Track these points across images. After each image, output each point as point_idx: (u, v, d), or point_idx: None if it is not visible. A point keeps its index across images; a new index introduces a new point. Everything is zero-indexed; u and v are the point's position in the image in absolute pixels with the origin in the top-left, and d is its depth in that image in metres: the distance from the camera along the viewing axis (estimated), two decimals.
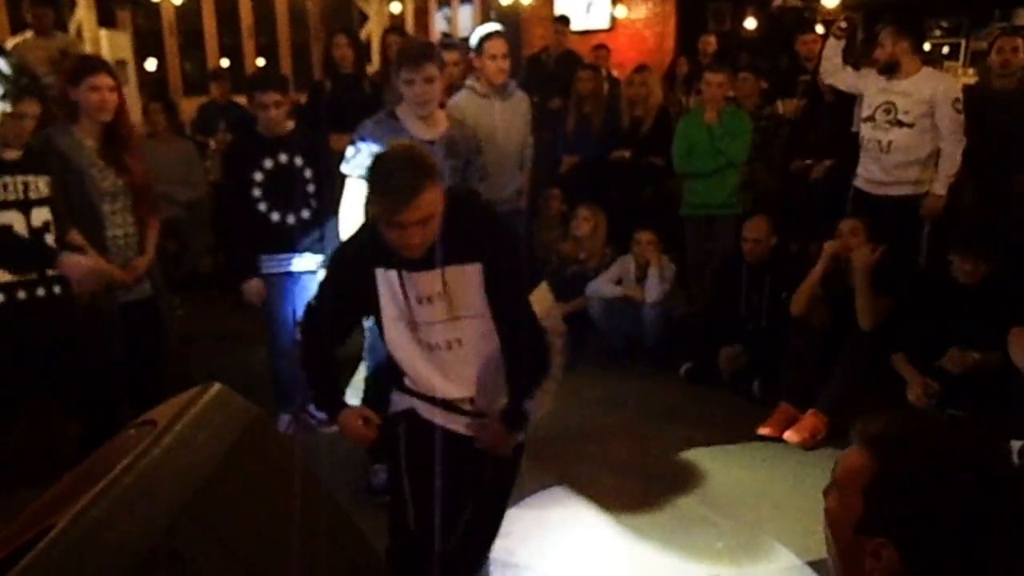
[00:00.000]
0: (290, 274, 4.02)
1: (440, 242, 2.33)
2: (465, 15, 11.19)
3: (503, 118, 4.54)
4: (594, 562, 3.24)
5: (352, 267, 2.48)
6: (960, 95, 4.71)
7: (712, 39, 8.81)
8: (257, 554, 1.47)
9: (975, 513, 1.16)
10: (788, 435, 4.07)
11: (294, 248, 4.01)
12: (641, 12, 10.97)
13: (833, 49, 5.08)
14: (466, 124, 3.82)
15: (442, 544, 2.51)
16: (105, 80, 3.43)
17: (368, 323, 3.45)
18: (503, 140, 4.55)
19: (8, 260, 3.06)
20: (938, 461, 1.19)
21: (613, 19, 10.90)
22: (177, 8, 8.87)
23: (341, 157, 3.64)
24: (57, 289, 3.16)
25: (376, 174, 2.29)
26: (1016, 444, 3.34)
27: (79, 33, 7.74)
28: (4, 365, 3.10)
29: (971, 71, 8.85)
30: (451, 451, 2.50)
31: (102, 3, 8.16)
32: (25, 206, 3.07)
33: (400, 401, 2.62)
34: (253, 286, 4.00)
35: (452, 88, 4.50)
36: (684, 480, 3.79)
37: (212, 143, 6.81)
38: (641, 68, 6.12)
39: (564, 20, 8.56)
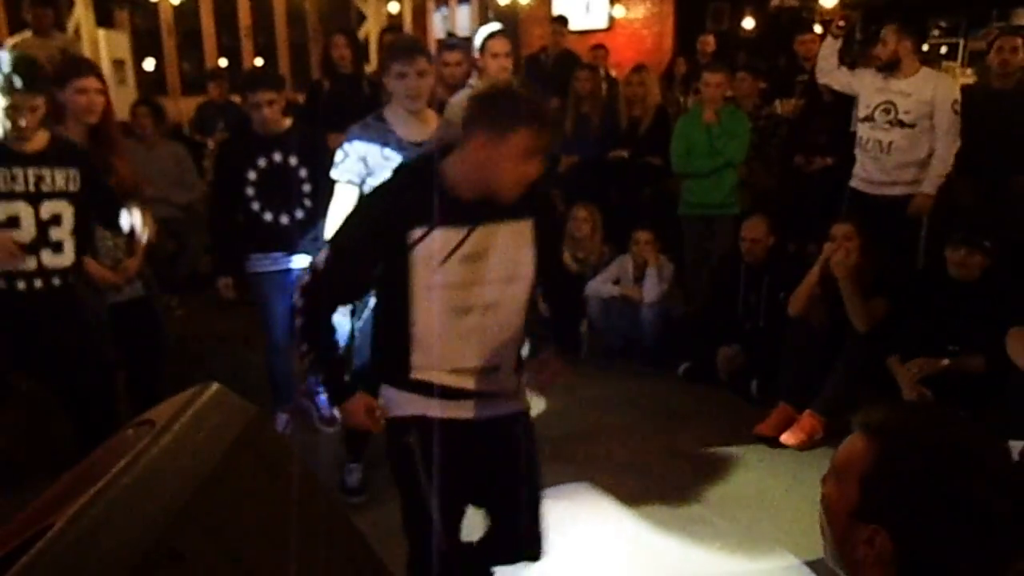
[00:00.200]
0: (285, 272, 4.01)
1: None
2: (463, 15, 11.20)
3: None
4: (592, 562, 3.24)
5: (381, 228, 2.24)
6: (958, 96, 4.72)
7: (710, 39, 8.82)
8: (256, 554, 1.47)
9: (970, 507, 1.17)
10: (785, 437, 4.07)
11: (288, 247, 3.98)
12: (639, 12, 10.99)
13: (829, 48, 5.09)
14: (455, 123, 3.80)
15: (505, 547, 2.52)
16: (92, 82, 3.44)
17: (358, 324, 3.48)
18: None
19: None
20: (936, 453, 1.20)
21: (611, 19, 10.91)
22: (175, 8, 8.88)
23: None
24: (56, 281, 3.16)
25: (518, 106, 2.16)
26: (1016, 444, 3.35)
27: (77, 33, 7.75)
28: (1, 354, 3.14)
29: (969, 71, 8.86)
30: (480, 446, 2.41)
31: (100, 3, 8.16)
32: (35, 198, 3.08)
33: (405, 404, 2.37)
34: (225, 283, 4.05)
35: (455, 88, 4.50)
36: (682, 480, 3.80)
37: (210, 143, 6.82)
38: (639, 68, 6.13)
39: (562, 20, 8.57)
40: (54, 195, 3.12)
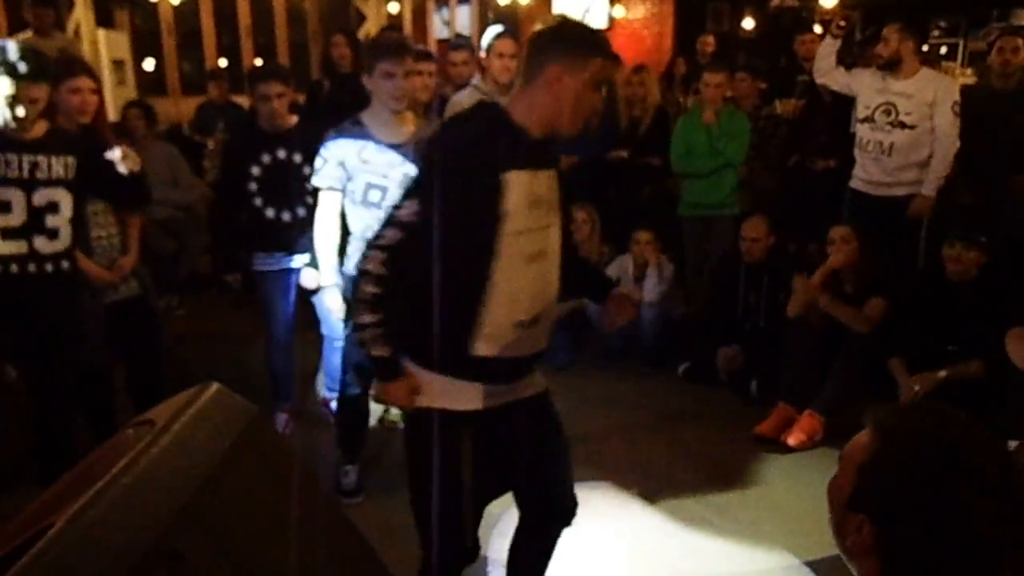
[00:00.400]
0: (287, 272, 4.02)
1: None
2: (463, 15, 11.20)
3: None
4: (592, 562, 3.24)
5: (476, 177, 2.12)
6: (958, 98, 4.72)
7: (710, 39, 8.82)
8: (256, 554, 1.47)
9: (955, 509, 1.18)
10: (785, 437, 4.07)
11: (289, 246, 3.98)
12: (639, 12, 10.98)
13: (828, 48, 5.08)
14: (436, 124, 3.78)
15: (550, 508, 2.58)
16: (86, 82, 3.45)
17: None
18: None
19: None
20: (929, 453, 1.22)
21: (611, 19, 10.91)
22: (175, 8, 8.88)
23: None
24: (49, 267, 3.17)
25: (590, 35, 2.24)
26: (1012, 444, 3.35)
27: (77, 33, 7.74)
28: None
29: (969, 71, 8.85)
30: (523, 427, 2.39)
31: (100, 3, 8.16)
32: (28, 185, 3.10)
33: (457, 395, 2.25)
34: (234, 277, 4.14)
35: (460, 87, 4.51)
36: (681, 480, 3.80)
37: (210, 143, 6.81)
38: (639, 68, 6.12)
39: None
40: (50, 183, 3.14)
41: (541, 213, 2.25)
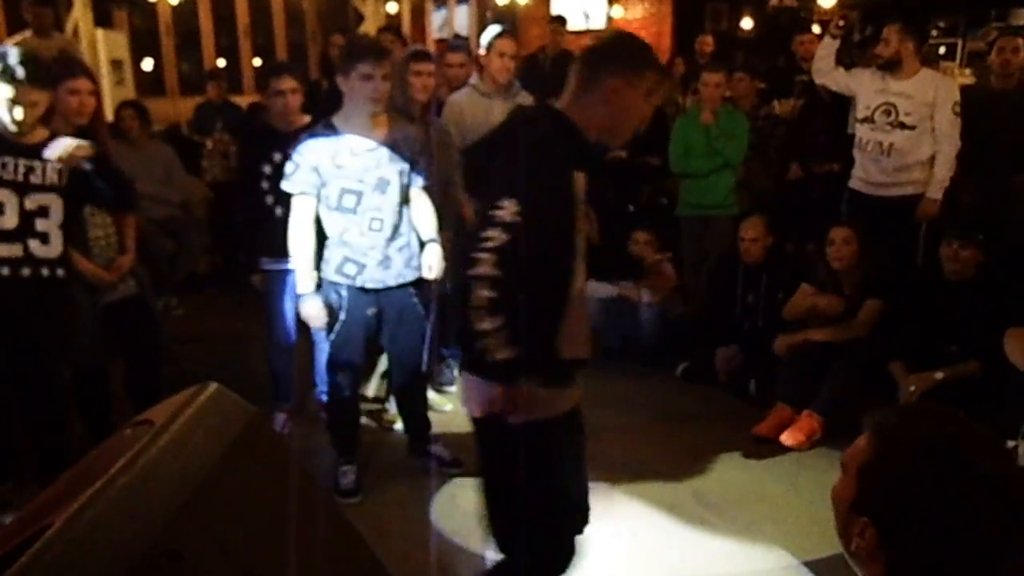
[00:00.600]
0: (291, 271, 4.01)
1: None
2: (462, 15, 11.20)
3: (502, 118, 4.54)
4: (591, 562, 3.24)
5: (564, 174, 2.20)
6: (958, 98, 4.71)
7: (709, 39, 8.81)
8: (254, 554, 1.47)
9: (955, 509, 1.19)
10: (784, 437, 4.07)
11: None
12: (637, 12, 10.99)
13: (827, 48, 5.08)
14: (408, 125, 3.77)
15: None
16: (85, 84, 3.45)
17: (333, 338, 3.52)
18: None
19: None
20: (929, 453, 1.22)
21: (609, 19, 10.92)
22: (174, 8, 8.88)
23: None
24: (44, 271, 3.17)
25: (647, 49, 2.34)
26: (1011, 444, 3.35)
27: (76, 33, 7.73)
28: None
29: (968, 71, 8.85)
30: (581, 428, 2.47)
31: (98, 3, 8.15)
32: (21, 188, 3.10)
33: (554, 401, 2.25)
34: (257, 278, 4.07)
35: (456, 89, 4.50)
36: (680, 480, 3.80)
37: (208, 143, 6.82)
38: None
39: (560, 20, 8.57)
40: (43, 188, 3.14)
41: (583, 213, 2.31)
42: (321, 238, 3.54)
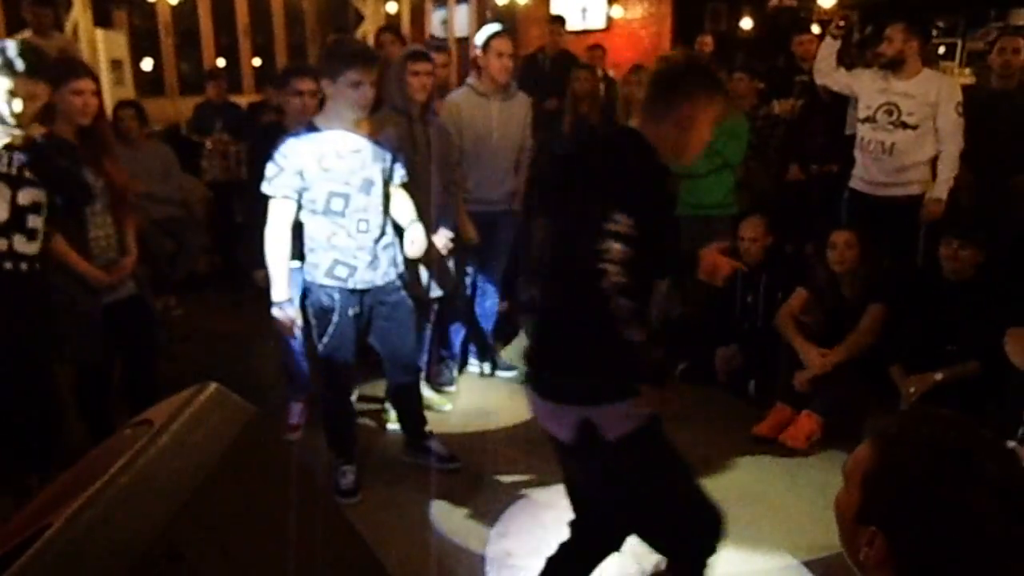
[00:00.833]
0: (296, 269, 4.00)
1: None
2: (461, 15, 11.19)
3: (500, 119, 4.55)
4: None
5: (663, 186, 2.35)
6: (961, 98, 4.71)
7: (708, 39, 8.82)
8: (254, 554, 1.47)
9: (963, 513, 1.18)
10: (783, 438, 4.07)
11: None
12: (637, 12, 10.99)
13: (828, 49, 5.08)
14: (391, 126, 3.75)
15: None
16: (88, 84, 3.44)
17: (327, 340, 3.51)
18: (498, 140, 4.55)
19: None
20: (933, 458, 1.22)
21: (609, 19, 10.91)
22: (173, 8, 8.86)
23: None
24: (24, 267, 3.13)
25: (716, 74, 2.40)
26: (1011, 444, 3.35)
27: (75, 33, 7.72)
28: None
29: (967, 71, 8.86)
30: None
31: (98, 3, 8.14)
32: (14, 182, 3.07)
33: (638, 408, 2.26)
34: (261, 274, 4.02)
35: (441, 90, 4.48)
36: None
37: (208, 143, 6.81)
38: (637, 68, 6.12)
39: (560, 20, 8.56)
40: (35, 183, 3.12)
41: None
42: (297, 242, 3.51)
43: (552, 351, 2.34)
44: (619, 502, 2.42)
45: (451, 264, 4.44)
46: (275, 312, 3.47)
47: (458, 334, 4.87)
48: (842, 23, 5.12)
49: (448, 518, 3.50)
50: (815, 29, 7.59)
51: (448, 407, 4.57)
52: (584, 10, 10.81)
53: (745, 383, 4.67)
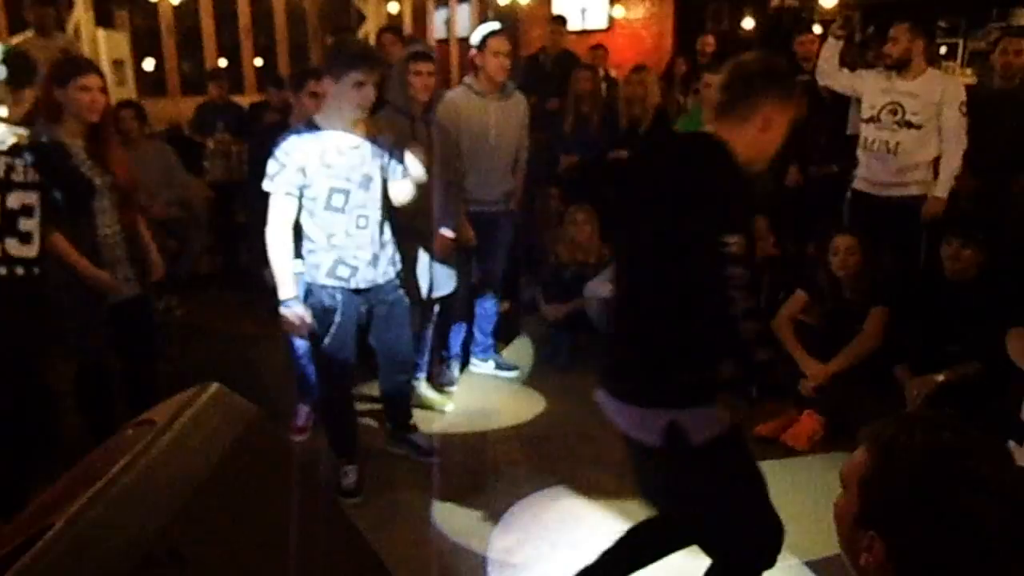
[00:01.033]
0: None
1: None
2: (463, 15, 11.20)
3: (497, 118, 4.54)
4: (589, 561, 3.24)
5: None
6: (964, 97, 4.70)
7: (710, 39, 8.80)
8: (255, 554, 1.47)
9: (961, 515, 1.19)
10: (785, 438, 4.07)
11: None
12: (639, 12, 10.99)
13: (831, 50, 5.08)
14: (388, 126, 3.76)
15: None
16: (95, 80, 3.43)
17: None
18: (495, 140, 4.55)
19: None
20: (929, 461, 1.22)
21: (611, 19, 10.91)
22: (175, 8, 8.86)
23: None
24: (20, 271, 3.11)
25: (791, 77, 2.41)
26: (1011, 444, 3.35)
27: (77, 33, 7.73)
28: None
29: (968, 71, 8.85)
30: None
31: (100, 3, 8.15)
32: (3, 187, 3.06)
33: (720, 417, 2.32)
34: (271, 273, 4.02)
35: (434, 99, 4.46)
36: None
37: (210, 143, 6.81)
38: (639, 68, 6.12)
39: (561, 20, 8.56)
40: (25, 185, 3.10)
41: None
42: (296, 242, 3.51)
43: (645, 358, 2.32)
44: (694, 507, 2.45)
45: (451, 265, 4.45)
46: (283, 311, 3.45)
47: (458, 334, 4.87)
48: (843, 25, 5.11)
49: (449, 518, 3.50)
50: (817, 29, 7.58)
51: (450, 407, 4.58)
52: (585, 10, 10.81)
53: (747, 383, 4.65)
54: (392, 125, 3.82)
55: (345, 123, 3.42)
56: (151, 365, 3.88)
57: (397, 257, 3.69)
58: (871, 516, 1.25)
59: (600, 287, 5.21)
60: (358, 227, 3.47)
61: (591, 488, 3.75)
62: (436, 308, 4.50)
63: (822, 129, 5.67)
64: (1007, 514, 1.18)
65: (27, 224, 3.13)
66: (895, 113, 4.72)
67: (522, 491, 3.69)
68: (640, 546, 2.69)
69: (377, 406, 4.46)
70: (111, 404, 3.74)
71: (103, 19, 8.25)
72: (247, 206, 5.33)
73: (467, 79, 4.65)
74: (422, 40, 8.54)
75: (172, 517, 1.32)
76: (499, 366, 5.07)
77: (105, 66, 7.63)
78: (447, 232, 4.28)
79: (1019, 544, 1.18)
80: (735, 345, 2.17)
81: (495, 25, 4.58)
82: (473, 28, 10.23)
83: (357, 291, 3.54)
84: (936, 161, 4.74)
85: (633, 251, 2.39)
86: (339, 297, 3.49)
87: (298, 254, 3.60)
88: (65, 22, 7.67)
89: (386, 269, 3.61)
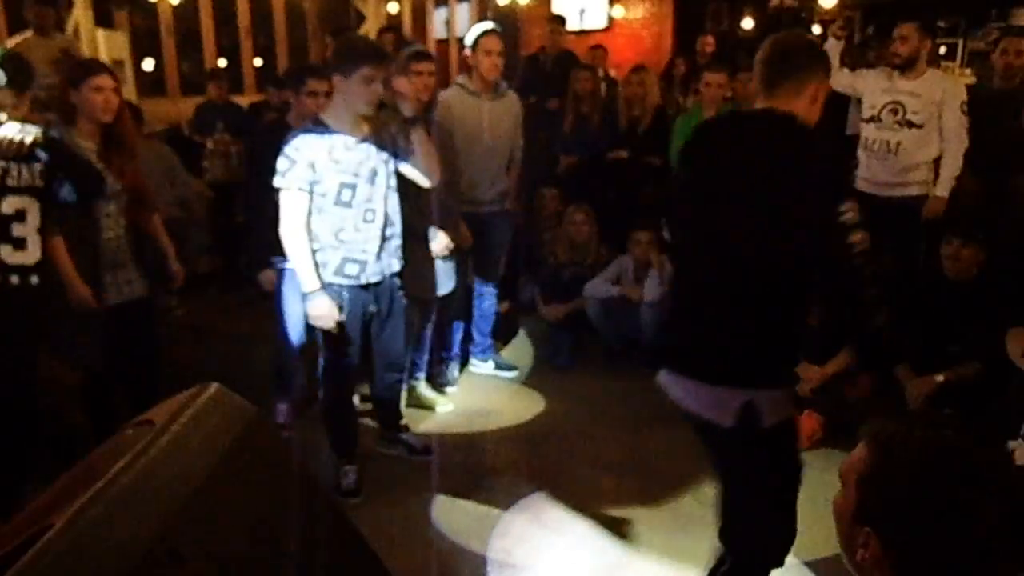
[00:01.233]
0: None
1: None
2: (463, 15, 11.20)
3: (491, 118, 4.55)
4: (591, 562, 3.24)
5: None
6: (965, 97, 4.70)
7: (710, 39, 8.81)
8: (255, 554, 1.47)
9: (957, 513, 1.19)
10: None
11: None
12: (638, 12, 10.99)
13: (831, 50, 5.07)
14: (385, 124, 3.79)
15: None
16: (108, 81, 3.44)
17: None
18: (490, 140, 4.55)
19: None
20: (925, 458, 1.23)
21: (610, 19, 10.91)
22: (174, 8, 8.86)
23: None
24: (15, 279, 3.10)
25: (822, 50, 2.48)
26: (1012, 444, 3.35)
27: (76, 33, 7.73)
28: None
29: (968, 71, 8.85)
30: None
31: (99, 3, 8.15)
32: None
33: (789, 401, 2.44)
34: (267, 275, 4.02)
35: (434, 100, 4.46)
36: (681, 480, 3.79)
37: (210, 143, 6.81)
38: (638, 68, 6.12)
39: (560, 20, 8.56)
40: (19, 190, 3.09)
41: None
42: None
43: (734, 337, 2.33)
44: (742, 487, 2.51)
45: (451, 264, 4.45)
46: (311, 305, 3.46)
47: (457, 333, 4.87)
48: (843, 29, 5.11)
49: (449, 518, 3.50)
50: (816, 29, 7.58)
51: (449, 407, 4.58)
52: (584, 10, 10.81)
53: None
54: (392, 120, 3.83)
55: (352, 120, 3.44)
56: (154, 367, 3.87)
57: (401, 252, 3.70)
58: (868, 513, 1.26)
59: (600, 286, 5.21)
60: (365, 221, 3.49)
61: (590, 488, 3.75)
62: (435, 308, 4.49)
63: (821, 128, 5.65)
64: (1003, 513, 1.18)
65: (21, 230, 3.10)
66: (896, 113, 4.72)
67: (521, 491, 3.69)
68: None
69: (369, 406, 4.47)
70: (114, 406, 3.74)
71: (102, 19, 8.25)
72: (246, 206, 5.32)
73: (460, 79, 4.65)
74: (416, 41, 8.54)
75: (171, 517, 1.32)
76: (498, 366, 5.07)
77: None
78: (446, 232, 4.28)
79: (1014, 543, 1.19)
80: (860, 312, 2.25)
81: (488, 25, 4.59)
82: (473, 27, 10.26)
83: (366, 287, 3.55)
84: (937, 161, 4.74)
85: (725, 235, 2.34)
86: (345, 295, 3.50)
87: None
88: (64, 22, 7.67)
89: (390, 263, 3.62)
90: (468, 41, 4.50)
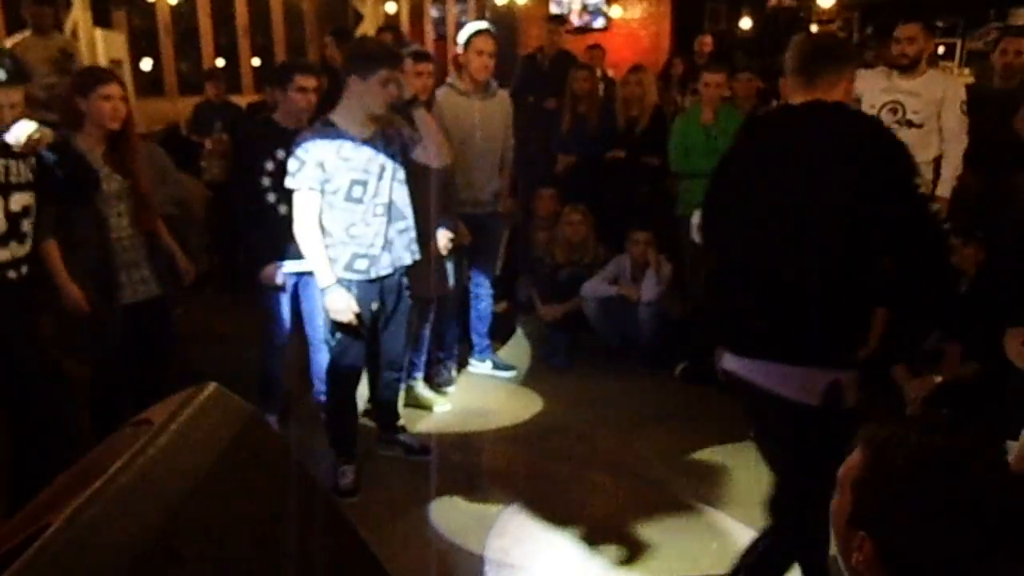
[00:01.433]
0: (296, 274, 3.99)
1: None
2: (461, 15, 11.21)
3: (482, 117, 4.55)
4: (589, 562, 3.24)
5: None
6: (965, 97, 4.70)
7: (708, 39, 8.82)
8: (253, 554, 1.47)
9: (950, 515, 1.19)
10: None
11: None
12: (637, 12, 11.00)
13: None
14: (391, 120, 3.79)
15: None
16: (116, 89, 3.47)
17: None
18: (482, 139, 4.55)
19: None
20: (918, 461, 1.23)
21: (608, 19, 10.92)
22: (172, 8, 8.86)
23: None
24: (14, 274, 3.11)
25: (852, 46, 2.57)
26: (1012, 444, 3.35)
27: (74, 33, 7.72)
28: None
29: (967, 71, 8.86)
30: None
31: (97, 3, 8.14)
32: (4, 190, 3.06)
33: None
34: (270, 270, 3.99)
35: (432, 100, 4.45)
36: (679, 480, 3.80)
37: (208, 143, 6.81)
38: (637, 68, 6.12)
39: (559, 20, 8.57)
40: (22, 186, 3.11)
41: None
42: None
43: (817, 321, 2.36)
44: (805, 467, 2.46)
45: (450, 264, 4.45)
46: (329, 299, 3.48)
47: (454, 333, 4.87)
48: (842, 25, 5.12)
49: (447, 517, 3.50)
50: (814, 29, 7.58)
51: (447, 407, 4.58)
52: (582, 10, 10.82)
53: None
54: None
55: (360, 117, 3.47)
56: (163, 367, 3.87)
57: (415, 246, 3.73)
58: (862, 517, 1.27)
59: (598, 286, 5.21)
60: (375, 215, 3.53)
61: (587, 488, 3.75)
62: (433, 308, 4.49)
63: None
64: (996, 516, 1.19)
65: (26, 225, 3.14)
66: (895, 112, 4.71)
67: (519, 491, 3.69)
68: None
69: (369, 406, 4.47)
70: (123, 405, 3.73)
71: (101, 19, 8.24)
72: (232, 206, 5.31)
73: (450, 79, 4.65)
74: (412, 42, 8.53)
75: (169, 516, 1.32)
76: (496, 366, 5.07)
77: (102, 66, 7.63)
78: (446, 232, 4.28)
79: (1007, 546, 1.19)
80: (948, 277, 2.40)
81: (480, 24, 4.59)
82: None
83: (375, 281, 3.57)
84: (937, 161, 4.74)
85: (804, 223, 2.38)
86: (354, 291, 3.51)
87: (298, 255, 3.63)
88: (63, 22, 7.66)
89: (400, 255, 3.65)
90: (460, 40, 4.50)
